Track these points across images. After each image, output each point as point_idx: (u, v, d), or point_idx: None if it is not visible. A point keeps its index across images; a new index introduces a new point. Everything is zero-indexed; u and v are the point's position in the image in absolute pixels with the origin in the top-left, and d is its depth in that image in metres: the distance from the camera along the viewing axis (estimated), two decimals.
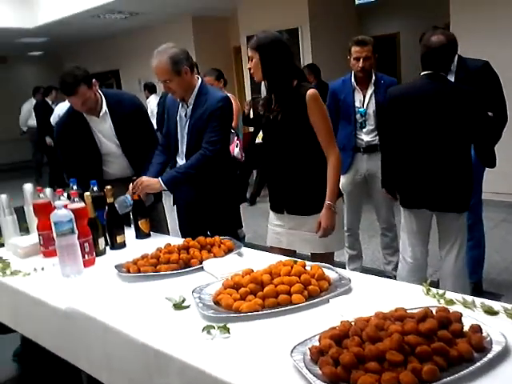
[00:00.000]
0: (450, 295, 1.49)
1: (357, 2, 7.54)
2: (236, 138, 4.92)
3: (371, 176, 3.43)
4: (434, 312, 1.24)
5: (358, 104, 3.35)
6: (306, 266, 1.70)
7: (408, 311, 1.28)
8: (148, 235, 2.49)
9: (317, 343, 1.22)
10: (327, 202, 2.22)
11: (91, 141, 2.75)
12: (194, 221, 2.72)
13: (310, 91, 2.20)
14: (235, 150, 4.88)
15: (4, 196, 2.39)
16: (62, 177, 8.42)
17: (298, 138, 2.26)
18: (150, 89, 7.76)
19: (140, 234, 2.48)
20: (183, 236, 2.65)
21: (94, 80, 2.63)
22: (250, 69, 2.30)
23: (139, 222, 2.46)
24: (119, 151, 2.80)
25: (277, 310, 1.49)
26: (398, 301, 1.41)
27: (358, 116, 3.34)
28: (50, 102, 8.34)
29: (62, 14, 7.29)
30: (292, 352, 1.22)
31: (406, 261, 2.85)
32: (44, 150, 8.48)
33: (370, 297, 1.54)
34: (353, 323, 1.25)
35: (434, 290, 1.53)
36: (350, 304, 1.47)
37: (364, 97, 3.34)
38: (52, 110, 8.28)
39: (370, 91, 3.32)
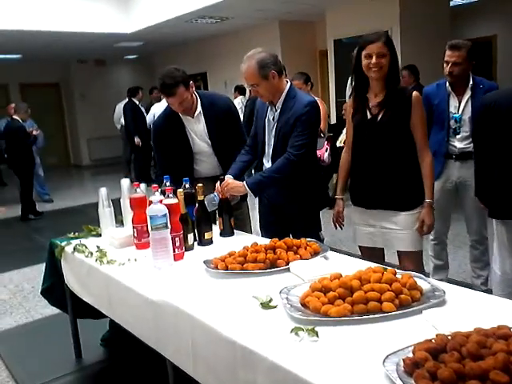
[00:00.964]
0: None
1: (452, 3, 7.20)
2: (326, 142, 4.89)
3: (463, 184, 3.29)
4: None
5: (452, 109, 3.21)
6: (396, 273, 1.64)
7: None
8: (232, 233, 2.53)
9: (410, 354, 1.18)
10: (427, 200, 2.40)
11: (185, 140, 2.86)
12: (276, 222, 2.74)
13: (415, 93, 2.35)
14: (325, 154, 4.86)
15: (104, 189, 2.54)
16: (149, 174, 8.84)
17: (400, 137, 2.38)
18: (241, 91, 7.96)
19: (224, 232, 2.53)
20: (264, 236, 2.67)
21: (191, 82, 2.73)
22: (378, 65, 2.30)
23: (223, 219, 2.51)
24: (210, 150, 2.89)
25: (367, 316, 1.46)
26: (497, 318, 1.33)
27: (452, 122, 3.21)
28: (137, 102, 8.72)
29: (157, 20, 7.64)
30: (384, 361, 1.18)
31: (495, 273, 2.71)
32: (132, 147, 8.91)
33: (465, 311, 1.46)
34: (449, 337, 1.19)
35: None
36: (444, 317, 1.40)
37: (460, 102, 3.20)
38: (139, 110, 8.71)
39: (466, 96, 3.18)
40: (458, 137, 3.23)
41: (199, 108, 2.83)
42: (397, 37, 6.50)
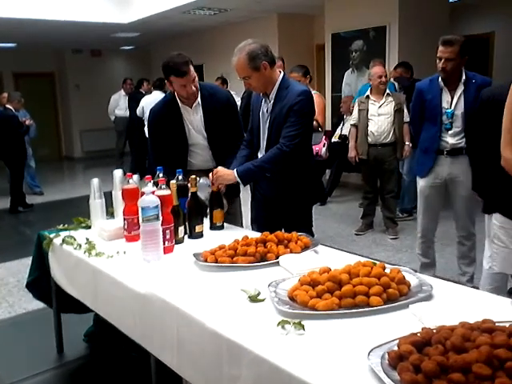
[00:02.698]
0: None
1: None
2: (324, 137, 4.88)
3: (452, 181, 3.31)
4: None
5: (445, 105, 3.21)
6: (385, 268, 1.64)
7: (496, 324, 1.20)
8: (221, 227, 2.52)
9: (395, 348, 1.18)
10: None
11: (181, 130, 2.84)
12: (269, 216, 2.73)
13: None
14: (322, 149, 4.86)
15: (96, 180, 2.51)
16: (144, 166, 8.80)
17: None
18: (223, 80, 7.87)
19: (214, 225, 2.51)
20: (255, 231, 2.66)
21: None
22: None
23: (213, 212, 2.49)
24: (205, 143, 2.87)
25: (354, 310, 1.46)
26: (482, 312, 1.33)
27: (444, 117, 3.21)
28: (143, 93, 8.63)
29: (155, 11, 7.58)
30: (369, 355, 1.18)
31: (484, 268, 2.74)
32: (131, 140, 8.84)
33: (452, 305, 1.46)
34: (434, 331, 1.19)
35: None
36: (430, 311, 1.40)
37: (452, 97, 3.20)
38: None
39: (458, 91, 3.18)
40: (450, 132, 3.22)
41: (198, 99, 2.81)
42: (395, 32, 6.49)
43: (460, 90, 3.17)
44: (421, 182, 3.43)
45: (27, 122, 7.03)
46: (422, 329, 1.22)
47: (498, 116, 2.44)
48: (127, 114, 8.90)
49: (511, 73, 2.49)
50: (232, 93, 3.34)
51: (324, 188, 6.04)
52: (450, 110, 3.19)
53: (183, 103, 2.81)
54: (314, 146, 4.51)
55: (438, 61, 3.13)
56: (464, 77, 3.16)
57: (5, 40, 9.80)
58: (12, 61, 11.18)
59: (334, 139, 6.15)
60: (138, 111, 8.21)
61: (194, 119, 2.84)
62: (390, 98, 4.68)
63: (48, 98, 12.39)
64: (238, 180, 2.50)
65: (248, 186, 2.80)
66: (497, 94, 2.51)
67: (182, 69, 2.61)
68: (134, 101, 8.58)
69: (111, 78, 11.80)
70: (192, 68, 2.67)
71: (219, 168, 2.54)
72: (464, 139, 3.20)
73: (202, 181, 2.51)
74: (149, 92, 8.45)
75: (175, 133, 2.84)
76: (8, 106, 6.94)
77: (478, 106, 2.58)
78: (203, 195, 2.48)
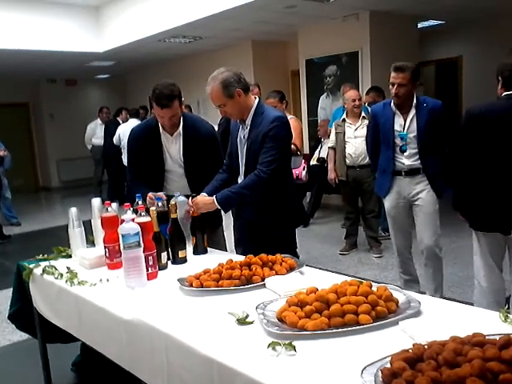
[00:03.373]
0: None
1: (419, 25, 7.43)
2: (303, 160, 4.94)
3: (413, 200, 3.37)
4: None
5: (398, 128, 3.29)
6: (372, 286, 1.65)
7: (486, 337, 1.21)
8: (205, 251, 2.51)
9: (388, 365, 1.17)
10: None
11: (159, 156, 2.84)
12: (253, 239, 2.72)
13: None
14: (302, 172, 4.91)
15: (74, 209, 2.48)
16: (123, 194, 8.73)
17: None
18: (132, 115, 8.13)
19: (197, 250, 2.49)
20: (240, 254, 2.64)
21: (183, 99, 2.73)
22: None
23: (195, 238, 2.48)
24: (181, 171, 2.88)
25: (344, 329, 1.45)
26: (472, 326, 1.33)
27: (398, 140, 3.30)
28: (120, 122, 8.66)
29: (130, 39, 7.62)
30: (362, 373, 1.17)
31: (481, 285, 2.76)
32: (108, 168, 8.80)
33: (441, 321, 1.47)
34: (426, 346, 1.19)
35: None
36: (420, 327, 1.41)
37: (405, 121, 3.28)
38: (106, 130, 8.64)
39: (411, 115, 3.26)
40: (405, 154, 3.31)
41: (180, 128, 2.82)
42: (367, 57, 6.67)
43: (412, 113, 3.26)
44: (386, 203, 3.51)
45: (1, 153, 6.93)
46: (414, 345, 1.21)
47: (488, 131, 2.51)
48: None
49: (479, 94, 2.58)
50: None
51: (305, 210, 6.09)
52: (403, 133, 3.28)
53: (164, 129, 2.82)
54: (294, 170, 4.57)
55: (390, 86, 3.22)
56: (415, 101, 3.25)
57: None
58: None
59: (313, 162, 6.22)
60: (115, 139, 8.20)
61: (173, 148, 2.84)
62: (366, 121, 4.78)
63: (23, 128, 12.21)
64: (218, 207, 2.50)
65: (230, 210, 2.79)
66: (487, 110, 2.57)
67: (163, 101, 2.62)
68: (110, 129, 8.59)
69: (86, 107, 11.76)
70: (177, 103, 2.67)
71: (198, 197, 2.53)
72: (420, 160, 3.28)
73: (180, 198, 2.49)
74: (125, 120, 8.47)
75: (152, 157, 2.85)
76: None
77: (466, 122, 2.63)
78: (181, 212, 2.45)
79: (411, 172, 3.32)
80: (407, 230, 3.53)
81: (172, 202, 2.30)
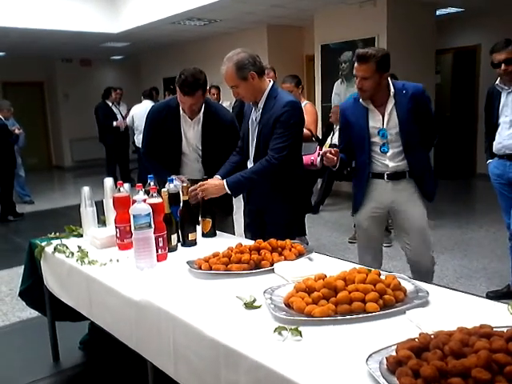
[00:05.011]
0: None
1: (438, 12, 7.30)
2: (318, 146, 4.90)
3: (397, 210, 2.80)
4: None
5: (375, 124, 2.69)
6: (380, 274, 1.65)
7: (493, 329, 1.21)
8: (212, 234, 2.51)
9: (393, 353, 1.18)
10: None
11: (176, 137, 2.87)
12: (262, 224, 2.72)
13: None
14: (317, 158, 4.87)
15: (87, 188, 2.50)
16: (129, 175, 8.76)
17: None
18: (146, 96, 8.13)
19: (204, 233, 2.50)
20: (249, 239, 2.65)
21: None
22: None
23: (203, 221, 2.49)
24: (195, 155, 2.91)
25: (351, 316, 1.46)
26: (479, 317, 1.33)
27: (377, 139, 2.70)
28: (110, 104, 8.67)
29: (145, 21, 7.60)
30: (367, 360, 1.18)
31: None
32: (107, 148, 8.89)
33: (449, 311, 1.46)
34: (432, 336, 1.20)
35: None
36: (427, 317, 1.41)
37: (383, 115, 2.68)
38: (111, 111, 8.63)
39: (389, 107, 2.66)
40: (388, 154, 2.71)
41: (201, 114, 2.84)
42: (383, 44, 6.57)
43: (390, 105, 2.66)
44: (358, 214, 2.92)
45: (16, 131, 6.98)
46: (420, 334, 1.22)
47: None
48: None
49: None
50: (225, 104, 3.36)
51: (310, 200, 6.08)
52: (382, 130, 2.68)
53: (184, 112, 2.84)
54: (308, 156, 4.52)
55: (355, 78, 2.67)
56: (392, 90, 2.66)
57: None
58: (1, 69, 11.10)
59: (325, 148, 6.18)
60: (128, 120, 8.22)
61: (190, 131, 2.87)
62: None
63: (37, 107, 12.31)
64: (228, 191, 2.50)
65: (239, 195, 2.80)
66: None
67: (186, 88, 2.66)
68: (99, 112, 8.71)
69: (101, 88, 11.74)
70: (200, 93, 2.70)
71: (209, 181, 2.53)
72: (405, 161, 2.70)
73: (174, 182, 2.48)
74: (117, 102, 8.65)
75: (169, 137, 2.87)
76: None
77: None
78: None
79: (396, 176, 2.73)
80: (379, 247, 2.97)
81: (164, 189, 2.29)
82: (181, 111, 2.84)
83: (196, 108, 2.78)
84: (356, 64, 2.60)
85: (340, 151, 2.76)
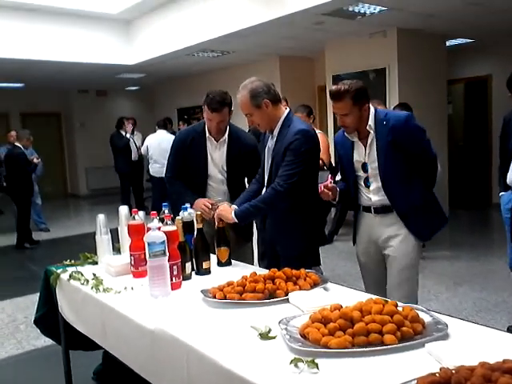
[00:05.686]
0: None
1: (448, 43, 7.38)
2: (330, 175, 4.92)
3: (384, 247, 2.64)
4: None
5: (359, 158, 2.60)
6: (397, 305, 1.62)
7: None
8: (228, 263, 2.51)
9: None
10: None
11: (204, 158, 2.94)
12: (276, 256, 2.70)
13: None
14: None
15: (102, 216, 2.52)
16: (142, 203, 8.80)
17: None
18: (160, 126, 8.16)
19: (220, 262, 2.50)
20: (264, 268, 2.63)
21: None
22: None
23: (219, 250, 2.49)
24: (220, 177, 2.97)
25: (368, 349, 1.43)
26: (502, 352, 1.30)
27: (361, 173, 2.61)
28: (123, 134, 8.70)
29: (160, 52, 7.78)
30: None
31: None
32: (121, 176, 8.93)
33: (469, 345, 1.43)
34: (453, 371, 1.17)
35: None
36: (448, 351, 1.37)
37: (365, 147, 2.56)
38: (124, 139, 8.66)
39: (369, 139, 2.53)
40: (371, 188, 2.60)
41: (226, 136, 2.92)
42: (394, 74, 6.64)
43: (371, 137, 2.53)
44: (356, 247, 2.86)
45: (35, 160, 7.11)
46: (440, 369, 1.19)
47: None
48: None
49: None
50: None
51: (324, 231, 6.03)
52: (365, 163, 2.58)
53: (210, 135, 2.91)
54: (320, 184, 4.52)
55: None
56: (371, 121, 2.51)
57: (13, 80, 10.01)
58: (20, 101, 11.40)
59: (338, 177, 6.18)
60: (143, 150, 8.30)
61: (217, 153, 2.94)
62: None
63: (54, 137, 12.59)
64: (236, 220, 2.50)
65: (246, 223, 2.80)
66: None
67: (214, 105, 2.75)
68: (114, 141, 8.75)
69: (116, 118, 11.97)
70: (227, 110, 2.80)
71: (224, 204, 2.57)
72: (385, 196, 2.55)
73: (188, 211, 2.46)
74: (131, 132, 8.69)
75: (195, 160, 2.94)
76: (17, 143, 7.05)
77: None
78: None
79: (383, 210, 2.59)
80: (382, 281, 2.68)
81: (178, 217, 2.29)
82: (207, 133, 2.92)
83: (223, 126, 2.87)
84: (332, 102, 2.50)
85: (342, 180, 2.78)
